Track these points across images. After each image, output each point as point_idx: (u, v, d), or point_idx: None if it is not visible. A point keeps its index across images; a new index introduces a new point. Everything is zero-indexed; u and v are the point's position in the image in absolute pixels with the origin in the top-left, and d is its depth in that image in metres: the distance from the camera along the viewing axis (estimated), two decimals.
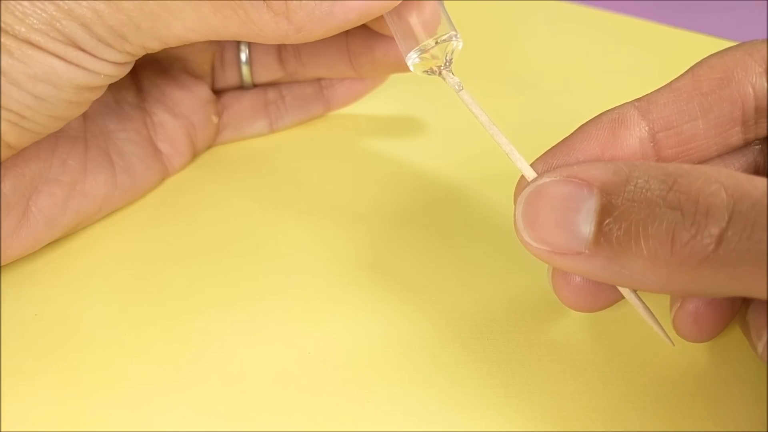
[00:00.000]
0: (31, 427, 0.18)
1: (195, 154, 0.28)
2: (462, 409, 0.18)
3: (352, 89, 0.30)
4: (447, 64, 0.20)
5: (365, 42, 0.26)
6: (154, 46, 0.20)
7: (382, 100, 0.32)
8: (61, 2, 0.18)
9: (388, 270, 0.23)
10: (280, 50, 0.28)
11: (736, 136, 0.18)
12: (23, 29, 0.18)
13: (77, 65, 0.19)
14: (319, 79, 0.30)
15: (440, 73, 0.20)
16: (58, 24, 0.18)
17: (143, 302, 0.22)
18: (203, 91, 0.28)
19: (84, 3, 0.18)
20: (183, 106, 0.27)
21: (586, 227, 0.15)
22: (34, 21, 0.18)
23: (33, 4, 0.18)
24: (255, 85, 0.29)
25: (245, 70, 0.28)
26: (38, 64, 0.18)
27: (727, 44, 0.35)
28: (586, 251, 0.15)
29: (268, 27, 0.19)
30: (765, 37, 0.37)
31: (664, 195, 0.14)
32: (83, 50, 0.19)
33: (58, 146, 0.23)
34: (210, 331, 0.21)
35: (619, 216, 0.15)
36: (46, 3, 0.18)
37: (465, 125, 0.30)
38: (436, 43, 0.19)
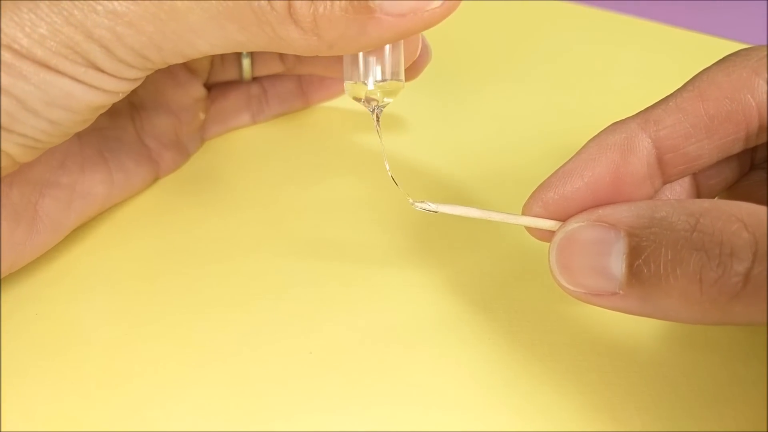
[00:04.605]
0: (31, 427, 0.18)
1: (181, 149, 0.28)
2: (464, 410, 0.18)
3: (331, 87, 0.31)
4: (376, 108, 0.20)
5: None
6: (178, 60, 0.19)
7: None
8: (78, 24, 0.17)
9: (388, 270, 0.23)
10: None
11: (737, 149, 0.18)
12: (40, 52, 0.17)
13: (97, 87, 0.18)
14: (300, 75, 0.30)
15: (377, 132, 0.20)
16: (77, 47, 0.17)
17: (144, 302, 0.22)
18: (196, 89, 0.27)
19: (102, 24, 0.17)
20: (174, 103, 0.27)
21: (618, 269, 0.16)
22: (53, 44, 0.17)
23: (50, 26, 0.17)
24: (253, 79, 0.29)
25: (246, 64, 0.28)
26: (55, 90, 0.18)
27: (727, 44, 0.35)
28: (621, 292, 0.16)
29: (297, 43, 0.18)
30: (765, 35, 0.37)
31: (688, 236, 0.15)
32: (103, 72, 0.18)
33: (55, 149, 0.23)
34: (211, 331, 0.21)
35: (647, 258, 0.15)
36: (63, 25, 0.17)
37: (455, 121, 0.30)
38: (375, 86, 0.19)
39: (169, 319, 0.21)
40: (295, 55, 0.28)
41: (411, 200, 0.19)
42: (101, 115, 0.25)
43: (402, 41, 0.20)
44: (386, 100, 0.20)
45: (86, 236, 0.24)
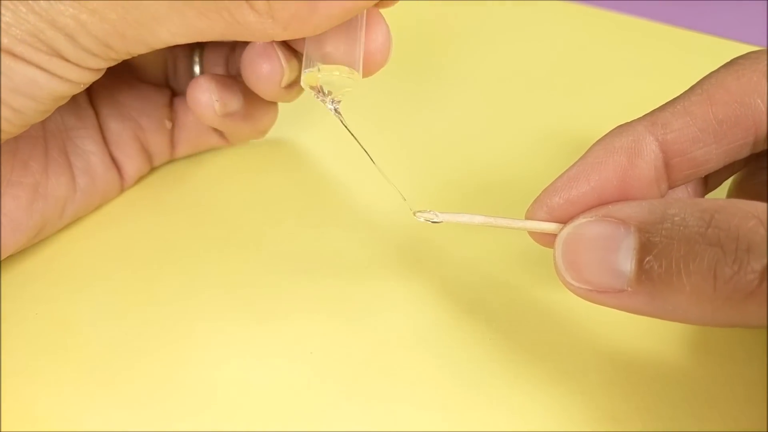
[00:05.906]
0: (31, 427, 0.18)
1: (149, 160, 0.27)
2: (464, 410, 0.18)
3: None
4: (331, 100, 0.20)
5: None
6: (140, 50, 0.19)
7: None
8: (43, 13, 0.17)
9: (389, 270, 0.23)
10: (228, 54, 0.27)
11: (745, 153, 0.18)
12: (5, 40, 0.17)
13: (60, 76, 0.18)
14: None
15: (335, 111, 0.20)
16: (41, 35, 0.17)
17: (143, 302, 0.22)
18: (155, 93, 0.27)
19: (66, 12, 0.17)
20: (132, 108, 0.26)
21: (627, 265, 0.15)
22: (17, 32, 0.17)
23: (15, 14, 0.17)
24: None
25: (196, 65, 0.27)
26: (20, 77, 0.18)
27: (727, 44, 0.35)
28: (629, 289, 0.15)
29: (253, 27, 0.19)
30: (765, 36, 0.37)
31: (702, 232, 0.14)
32: (67, 60, 0.18)
33: (18, 147, 0.22)
34: (211, 331, 0.21)
35: (659, 253, 0.15)
36: (28, 14, 0.17)
37: (453, 124, 0.30)
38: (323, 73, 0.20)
39: (168, 319, 0.21)
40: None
41: (413, 211, 0.19)
42: (68, 115, 0.24)
43: (361, 32, 0.20)
44: (337, 92, 0.20)
45: (85, 236, 0.24)
